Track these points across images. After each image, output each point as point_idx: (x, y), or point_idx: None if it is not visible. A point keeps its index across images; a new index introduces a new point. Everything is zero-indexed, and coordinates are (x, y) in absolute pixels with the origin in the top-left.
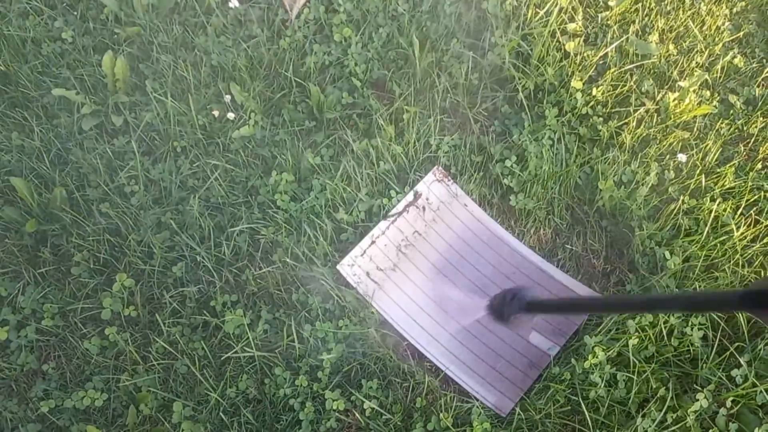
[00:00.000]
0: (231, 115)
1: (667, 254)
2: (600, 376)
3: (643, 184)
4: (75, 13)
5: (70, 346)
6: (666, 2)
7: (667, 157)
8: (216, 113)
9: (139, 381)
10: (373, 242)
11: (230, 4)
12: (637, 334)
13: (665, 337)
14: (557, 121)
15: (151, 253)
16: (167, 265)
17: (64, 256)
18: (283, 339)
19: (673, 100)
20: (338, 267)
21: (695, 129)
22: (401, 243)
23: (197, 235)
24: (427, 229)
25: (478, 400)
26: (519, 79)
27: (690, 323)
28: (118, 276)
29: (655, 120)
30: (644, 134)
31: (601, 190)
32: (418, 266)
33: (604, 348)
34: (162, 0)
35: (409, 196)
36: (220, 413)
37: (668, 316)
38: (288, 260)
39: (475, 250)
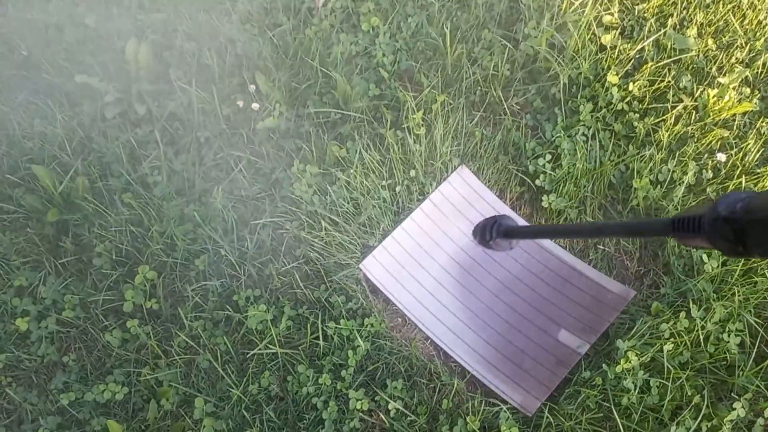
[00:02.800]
0: (255, 106)
1: (705, 257)
2: (633, 382)
3: (679, 184)
4: None
5: (91, 338)
6: None
7: (706, 156)
8: (240, 103)
9: (160, 375)
10: (396, 240)
11: None
12: (672, 339)
13: (701, 343)
14: (592, 116)
15: (174, 246)
16: (190, 258)
17: (86, 247)
18: (307, 336)
19: (712, 97)
20: (361, 265)
21: (735, 127)
22: (425, 241)
23: (220, 228)
24: (452, 227)
25: (504, 400)
26: (553, 71)
27: (727, 329)
28: (140, 268)
29: (693, 117)
30: (682, 132)
31: (635, 189)
32: (442, 264)
33: (638, 353)
34: None
35: (435, 194)
36: (242, 410)
37: (704, 322)
38: (311, 256)
39: None
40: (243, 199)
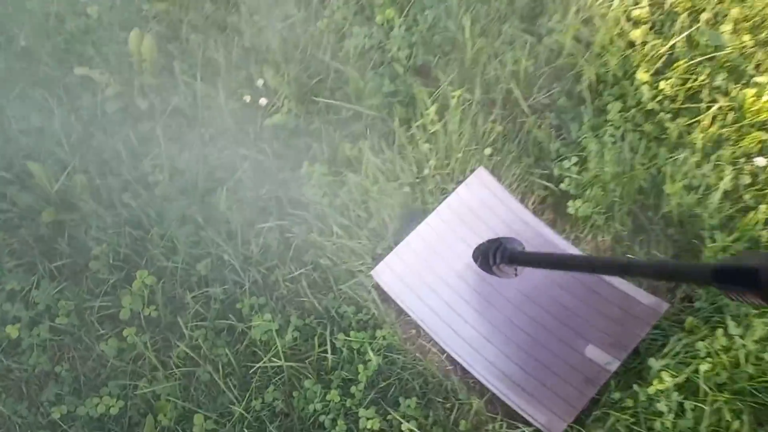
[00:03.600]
0: (263, 101)
1: None
2: (666, 405)
3: (715, 190)
4: None
5: (85, 346)
6: None
7: (743, 160)
8: (247, 98)
9: (158, 388)
10: (409, 246)
11: None
12: (708, 358)
13: (740, 363)
14: (620, 116)
15: (175, 249)
16: (191, 263)
17: (82, 249)
18: (314, 348)
19: (750, 97)
20: (372, 273)
21: None
22: (440, 247)
23: (224, 231)
24: (469, 233)
25: (526, 421)
26: (579, 67)
27: None
28: (138, 273)
29: (729, 118)
30: (717, 134)
31: (668, 194)
32: (459, 272)
33: (672, 373)
34: None
35: (451, 197)
36: (245, 428)
37: (744, 340)
38: (320, 262)
39: None
40: (248, 201)
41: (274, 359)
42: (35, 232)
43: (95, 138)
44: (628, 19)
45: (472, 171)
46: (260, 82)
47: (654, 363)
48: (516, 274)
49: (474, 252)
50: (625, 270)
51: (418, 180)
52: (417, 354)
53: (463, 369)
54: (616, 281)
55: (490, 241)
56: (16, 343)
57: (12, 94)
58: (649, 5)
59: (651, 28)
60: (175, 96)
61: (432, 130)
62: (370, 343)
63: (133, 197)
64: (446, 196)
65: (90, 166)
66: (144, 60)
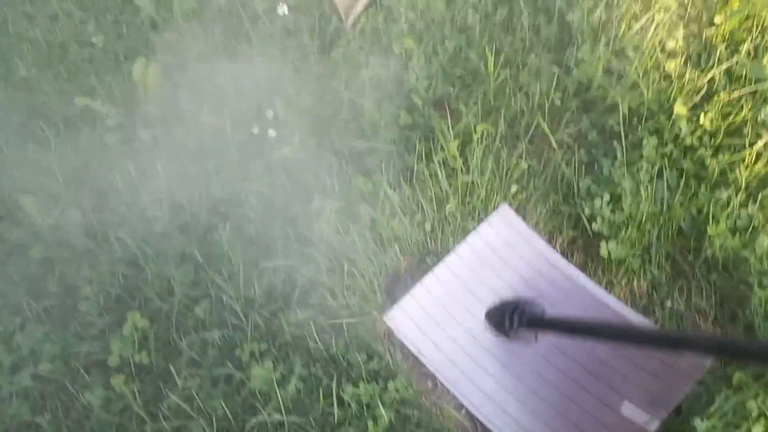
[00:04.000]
0: (272, 133)
1: None
2: None
3: (763, 232)
4: (108, 16)
5: (69, 396)
6: None
7: None
8: (255, 130)
9: None
10: (426, 288)
11: (279, 11)
12: (762, 419)
13: None
14: (656, 152)
15: (171, 290)
16: (189, 305)
17: (73, 289)
18: (319, 401)
19: None
20: (385, 318)
21: None
22: (460, 291)
23: (225, 271)
24: (491, 275)
25: None
26: (610, 99)
27: None
28: (130, 315)
29: None
30: (763, 171)
31: (710, 236)
32: (481, 321)
33: None
34: (204, 4)
35: (472, 236)
36: None
37: None
38: (328, 305)
39: (549, 300)
40: (253, 238)
41: (274, 413)
42: (23, 270)
43: (92, 171)
44: (663, 50)
45: (495, 209)
46: (270, 114)
47: (699, 424)
48: (537, 340)
49: (487, 313)
50: (674, 343)
51: (437, 217)
52: (433, 409)
53: (484, 427)
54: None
55: (505, 303)
56: None
57: (9, 125)
58: (684, 37)
59: (687, 61)
60: (179, 127)
61: (453, 166)
62: (381, 397)
63: (130, 234)
64: (467, 235)
65: (85, 200)
66: (149, 90)
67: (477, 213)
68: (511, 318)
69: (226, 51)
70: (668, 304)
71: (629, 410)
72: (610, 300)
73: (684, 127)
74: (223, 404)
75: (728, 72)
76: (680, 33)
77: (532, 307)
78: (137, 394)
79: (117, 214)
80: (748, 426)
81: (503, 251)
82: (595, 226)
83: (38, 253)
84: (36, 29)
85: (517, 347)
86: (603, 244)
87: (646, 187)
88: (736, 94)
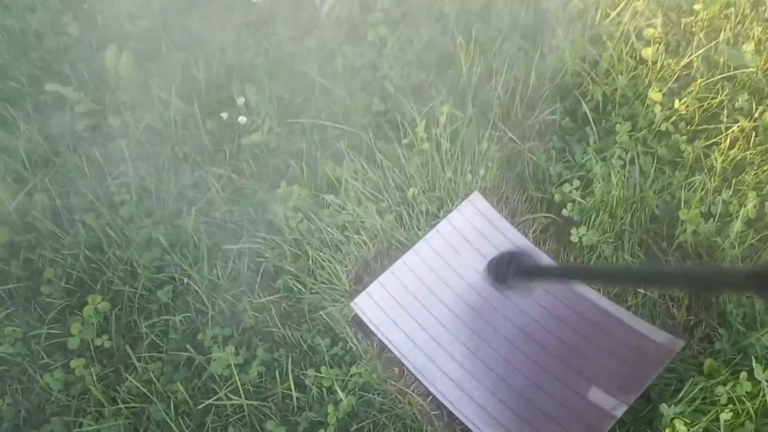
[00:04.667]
0: (243, 119)
1: None
2: None
3: (737, 217)
4: (85, 6)
5: (29, 378)
6: (764, 8)
7: None
8: (225, 115)
9: (103, 427)
10: (395, 275)
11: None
12: (730, 405)
13: None
14: (630, 137)
15: (135, 274)
16: (152, 288)
17: (37, 273)
18: (278, 385)
19: None
20: (352, 304)
21: None
22: (429, 278)
23: (191, 255)
24: (461, 263)
25: None
26: (584, 86)
27: None
28: (90, 298)
29: (752, 141)
30: (739, 157)
31: (683, 222)
32: (449, 306)
33: (687, 421)
34: None
35: (442, 224)
36: None
37: None
38: (293, 289)
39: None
40: (219, 223)
41: (233, 396)
42: None
43: (61, 156)
44: (640, 38)
45: (465, 195)
46: (241, 101)
47: (666, 410)
48: (531, 292)
49: (487, 264)
50: (650, 279)
51: (404, 204)
52: (397, 395)
53: (450, 413)
54: (625, 316)
55: (503, 254)
56: None
57: None
58: (663, 24)
59: (666, 48)
60: (149, 114)
61: (420, 148)
62: (343, 381)
63: (96, 218)
64: (437, 222)
65: (52, 184)
66: (121, 77)
67: (446, 199)
68: (507, 268)
69: (200, 39)
70: (641, 291)
71: (597, 396)
72: (582, 287)
73: (659, 113)
74: (183, 388)
75: (706, 59)
76: (659, 21)
77: (527, 258)
78: (96, 378)
79: (83, 198)
80: (717, 412)
81: (474, 238)
82: (566, 212)
83: (4, 237)
84: (12, 18)
85: (488, 327)
86: (574, 229)
87: (618, 172)
88: (713, 80)
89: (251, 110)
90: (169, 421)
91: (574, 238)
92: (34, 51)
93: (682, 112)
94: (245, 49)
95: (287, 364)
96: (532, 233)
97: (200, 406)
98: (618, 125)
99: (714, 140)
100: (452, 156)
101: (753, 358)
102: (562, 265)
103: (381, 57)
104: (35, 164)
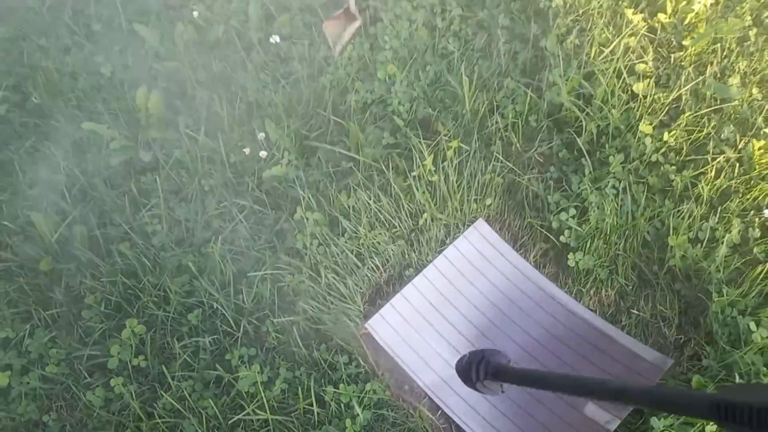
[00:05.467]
0: (263, 153)
1: (753, 325)
2: None
3: (722, 243)
4: (116, 47)
5: (73, 396)
6: (749, 43)
7: (752, 212)
8: (247, 150)
9: None
10: (406, 298)
11: (271, 40)
12: None
13: None
14: (623, 168)
15: (167, 298)
16: (183, 312)
17: (77, 298)
18: (300, 401)
19: (758, 149)
20: (367, 325)
21: None
22: (438, 300)
23: (218, 281)
24: (468, 286)
25: None
26: (580, 120)
27: None
28: (128, 321)
29: (736, 171)
30: (724, 186)
31: (672, 247)
32: (456, 326)
33: None
34: (203, 34)
35: (449, 249)
36: None
37: None
38: (311, 312)
39: (522, 310)
40: (243, 251)
41: (259, 411)
42: (32, 281)
43: (98, 189)
44: (632, 73)
45: (471, 222)
46: (261, 136)
47: (656, 423)
48: (502, 391)
49: (456, 365)
50: (616, 395)
51: (414, 230)
52: (409, 410)
53: (458, 427)
54: (619, 335)
55: (473, 354)
56: (6, 391)
57: (23, 148)
58: (654, 59)
59: (657, 82)
60: (177, 149)
61: (430, 179)
62: (359, 397)
63: (131, 247)
64: (444, 248)
65: (90, 216)
66: (150, 115)
67: (453, 227)
68: (477, 369)
69: (223, 78)
70: (634, 311)
71: (592, 411)
72: (579, 309)
73: (649, 144)
74: (213, 404)
75: (695, 92)
76: (650, 56)
77: (497, 357)
78: (134, 395)
79: (119, 229)
80: (702, 426)
81: (479, 263)
82: (563, 239)
83: (46, 265)
84: (49, 60)
85: (492, 347)
86: (571, 255)
87: (612, 201)
88: (701, 113)
89: (271, 145)
90: None
91: (572, 263)
92: (70, 91)
93: (671, 144)
94: (265, 87)
95: (308, 381)
96: (533, 257)
97: (230, 422)
98: (611, 157)
99: (701, 170)
100: (459, 186)
101: (737, 374)
102: (531, 370)
103: (390, 93)
104: (74, 198)
